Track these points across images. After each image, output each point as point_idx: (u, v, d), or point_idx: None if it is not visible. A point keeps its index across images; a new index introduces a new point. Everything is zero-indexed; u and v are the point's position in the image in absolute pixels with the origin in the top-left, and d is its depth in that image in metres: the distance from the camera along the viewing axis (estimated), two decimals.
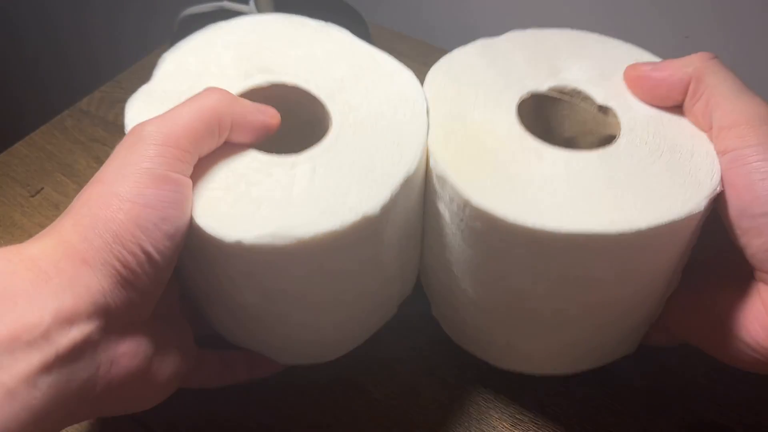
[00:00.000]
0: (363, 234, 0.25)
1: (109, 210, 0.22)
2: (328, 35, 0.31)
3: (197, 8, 0.49)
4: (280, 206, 0.24)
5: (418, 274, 0.33)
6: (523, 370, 0.31)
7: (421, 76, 0.30)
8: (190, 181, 0.24)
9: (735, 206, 0.24)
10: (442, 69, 0.30)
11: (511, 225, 0.24)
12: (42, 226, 0.41)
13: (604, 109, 0.28)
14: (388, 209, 0.25)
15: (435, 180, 0.27)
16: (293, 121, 0.28)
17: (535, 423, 0.31)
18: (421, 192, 0.28)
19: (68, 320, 0.20)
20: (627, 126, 0.27)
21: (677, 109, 0.28)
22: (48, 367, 0.19)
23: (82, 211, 0.22)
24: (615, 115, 0.28)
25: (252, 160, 0.26)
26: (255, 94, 0.28)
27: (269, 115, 0.27)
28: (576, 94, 0.29)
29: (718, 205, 0.25)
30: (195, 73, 0.28)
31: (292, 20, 0.31)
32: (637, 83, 0.28)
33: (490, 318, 0.29)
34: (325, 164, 0.26)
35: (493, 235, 0.25)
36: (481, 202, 0.24)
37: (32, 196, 0.43)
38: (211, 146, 0.25)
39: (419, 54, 0.53)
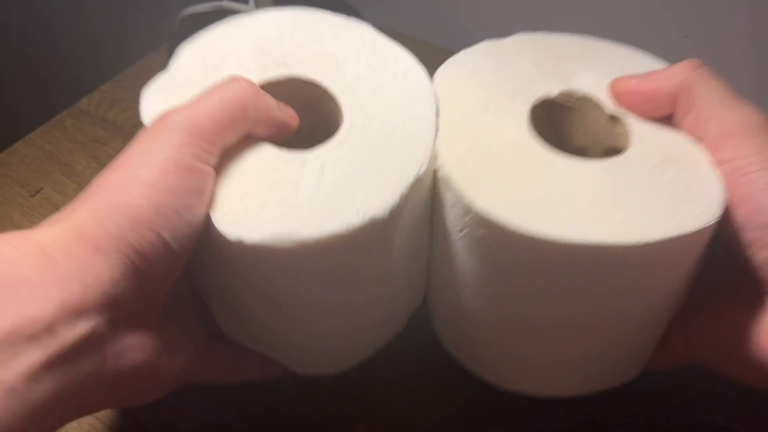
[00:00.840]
0: (370, 238, 0.24)
1: (129, 195, 0.21)
2: (349, 30, 0.30)
3: (197, 8, 0.49)
4: (286, 206, 0.24)
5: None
6: (520, 389, 0.30)
7: None
8: (213, 172, 0.24)
9: (736, 219, 0.24)
10: (449, 71, 0.29)
11: (514, 233, 0.23)
12: None
13: (614, 119, 0.28)
14: (396, 212, 0.24)
15: (440, 183, 0.26)
16: (307, 115, 0.28)
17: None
18: (430, 196, 0.27)
19: (75, 312, 0.19)
20: (637, 135, 0.26)
21: None
22: (51, 363, 0.18)
23: (100, 196, 0.21)
24: (624, 125, 0.27)
25: (265, 155, 0.25)
26: (271, 88, 0.27)
27: (289, 115, 0.27)
28: (587, 101, 0.29)
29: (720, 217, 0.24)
30: (213, 63, 0.28)
31: (314, 15, 0.31)
32: (626, 98, 0.27)
33: (490, 331, 0.28)
34: (333, 163, 0.25)
35: (496, 243, 0.24)
36: (485, 207, 0.24)
37: (32, 196, 0.43)
38: (235, 138, 0.25)
39: (419, 54, 0.53)
